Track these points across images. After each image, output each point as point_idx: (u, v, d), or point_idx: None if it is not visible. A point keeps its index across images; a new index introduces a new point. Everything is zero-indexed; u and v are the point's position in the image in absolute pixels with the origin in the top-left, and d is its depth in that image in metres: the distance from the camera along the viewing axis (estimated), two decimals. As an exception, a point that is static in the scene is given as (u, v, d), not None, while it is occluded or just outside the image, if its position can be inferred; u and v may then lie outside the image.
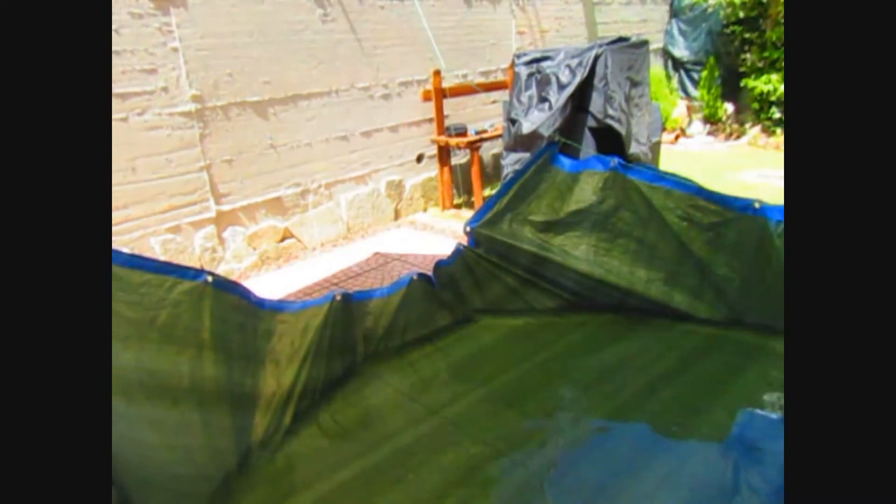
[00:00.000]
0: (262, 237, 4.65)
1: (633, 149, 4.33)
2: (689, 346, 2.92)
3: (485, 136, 5.47)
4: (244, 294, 2.32)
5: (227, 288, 2.24)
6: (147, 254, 3.87)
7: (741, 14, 7.90)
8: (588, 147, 4.20)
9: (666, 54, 8.92)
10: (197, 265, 4.19)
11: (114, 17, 3.65)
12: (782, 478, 2.01)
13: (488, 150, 6.20)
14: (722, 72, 8.31)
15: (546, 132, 4.16)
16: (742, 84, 7.84)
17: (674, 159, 6.59)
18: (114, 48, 3.68)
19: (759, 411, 2.41)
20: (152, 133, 3.93)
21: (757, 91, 7.57)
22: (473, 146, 5.35)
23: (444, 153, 5.53)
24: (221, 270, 4.33)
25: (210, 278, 2.13)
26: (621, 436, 2.42)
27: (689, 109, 8.52)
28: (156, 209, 4.01)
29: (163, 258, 3.96)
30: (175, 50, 3.98)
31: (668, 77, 8.85)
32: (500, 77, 6.25)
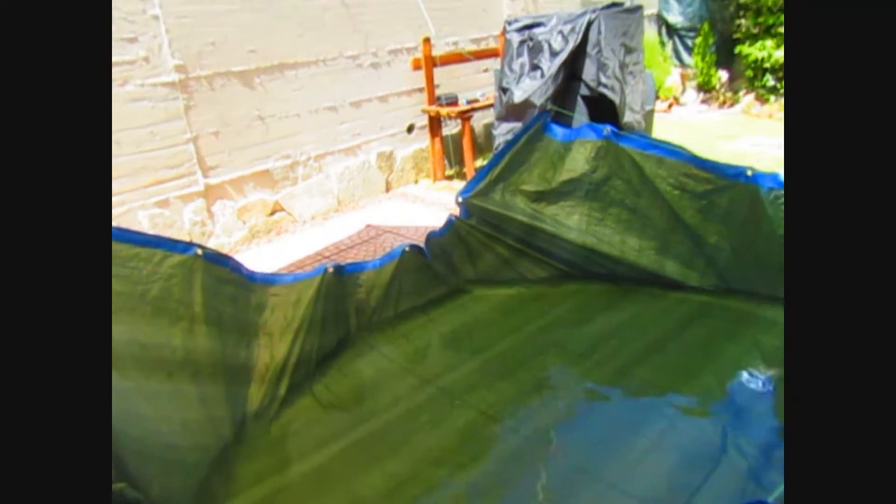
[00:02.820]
0: (251, 210, 4.60)
1: (627, 117, 4.29)
2: (680, 313, 2.95)
3: (476, 105, 5.38)
4: (235, 267, 2.31)
5: (218, 261, 2.22)
6: (135, 228, 3.82)
7: (737, -22, 7.75)
8: (581, 115, 4.15)
9: (660, 20, 8.76)
10: (186, 239, 4.15)
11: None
12: (768, 439, 2.07)
13: (480, 120, 6.12)
14: (716, 38, 8.19)
15: (538, 101, 4.10)
16: (736, 51, 7.75)
17: (667, 128, 6.54)
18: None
19: (747, 375, 2.46)
20: (135, 105, 3.83)
21: (751, 58, 7.50)
22: (465, 116, 5.27)
23: (435, 123, 5.45)
24: (211, 244, 4.29)
25: (200, 251, 2.12)
26: (613, 402, 2.46)
27: (683, 77, 8.43)
28: (142, 183, 3.94)
29: (151, 233, 3.91)
30: (155, 17, 3.85)
31: (662, 44, 8.71)
32: (492, 44, 6.12)
